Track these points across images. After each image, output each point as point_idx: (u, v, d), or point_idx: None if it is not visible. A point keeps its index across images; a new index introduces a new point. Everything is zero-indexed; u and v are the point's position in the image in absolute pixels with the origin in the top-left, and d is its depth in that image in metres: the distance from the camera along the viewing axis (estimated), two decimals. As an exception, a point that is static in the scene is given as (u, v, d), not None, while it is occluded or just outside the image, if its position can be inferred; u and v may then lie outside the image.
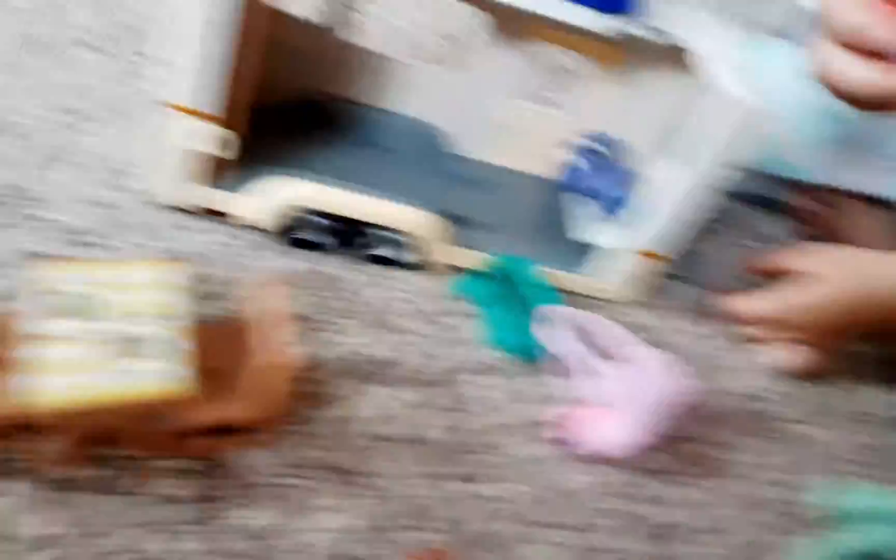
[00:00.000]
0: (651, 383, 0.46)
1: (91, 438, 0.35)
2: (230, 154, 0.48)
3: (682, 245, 0.55)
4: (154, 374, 0.34)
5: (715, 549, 0.46)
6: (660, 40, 0.47)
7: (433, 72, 0.58)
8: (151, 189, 0.50)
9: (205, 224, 0.50)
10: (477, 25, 0.54)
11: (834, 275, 0.54)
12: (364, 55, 0.57)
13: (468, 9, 0.51)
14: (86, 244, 0.46)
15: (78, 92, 0.56)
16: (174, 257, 0.46)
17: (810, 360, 0.57)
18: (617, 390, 0.46)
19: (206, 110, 0.45)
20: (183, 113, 0.45)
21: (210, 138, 0.46)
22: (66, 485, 0.35)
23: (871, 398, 0.60)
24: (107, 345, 0.35)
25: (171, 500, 0.37)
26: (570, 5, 0.44)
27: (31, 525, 0.34)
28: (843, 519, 0.46)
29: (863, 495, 0.48)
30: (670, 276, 0.60)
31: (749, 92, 0.45)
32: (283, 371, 0.38)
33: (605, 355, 0.49)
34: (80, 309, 0.36)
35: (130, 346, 0.35)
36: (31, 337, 0.34)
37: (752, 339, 0.58)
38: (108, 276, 0.37)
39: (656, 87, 0.55)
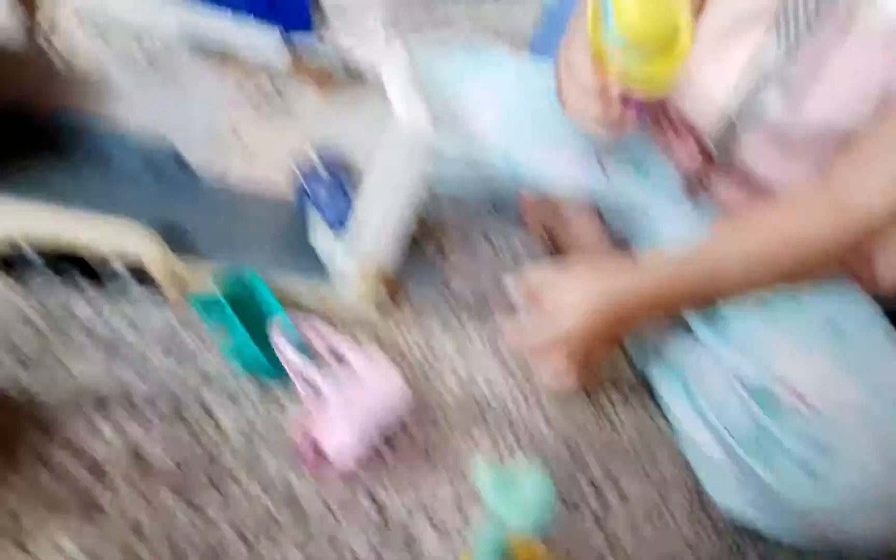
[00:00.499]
0: (366, 389, 0.51)
1: None
2: None
3: (396, 258, 0.59)
4: None
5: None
6: (337, 62, 0.50)
7: (156, 89, 0.58)
8: None
9: None
10: (181, 45, 0.55)
11: (581, 302, 0.58)
12: (74, 65, 0.55)
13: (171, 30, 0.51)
14: None
15: None
16: None
17: (579, 379, 0.62)
18: (334, 399, 0.50)
19: None
20: None
21: None
22: None
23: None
24: None
25: None
26: (248, 30, 0.46)
27: None
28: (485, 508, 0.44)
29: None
30: (405, 286, 0.66)
31: (418, 113, 0.50)
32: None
33: (330, 361, 0.53)
34: None
35: None
36: None
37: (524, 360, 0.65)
38: None
39: (361, 105, 0.60)
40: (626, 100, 0.56)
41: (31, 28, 0.52)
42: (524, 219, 0.82)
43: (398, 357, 0.61)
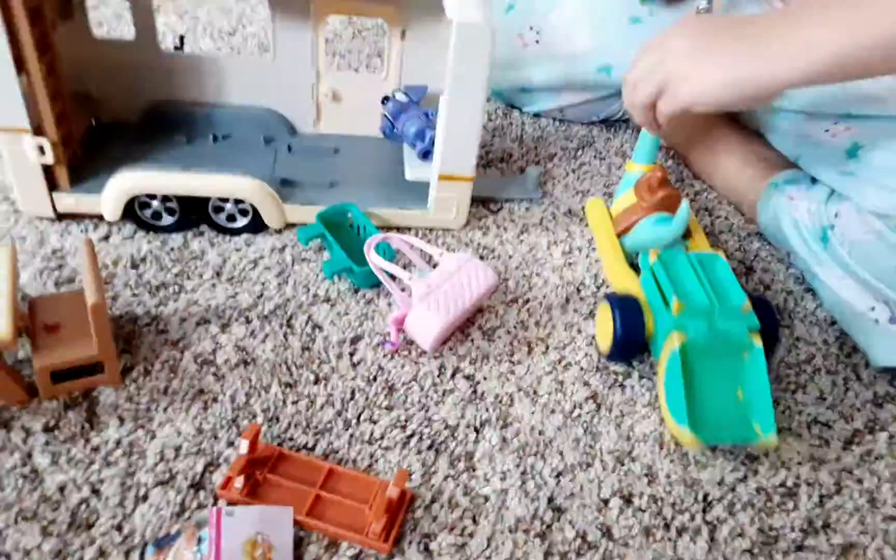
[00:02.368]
0: (451, 282, 0.53)
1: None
2: (61, 161, 0.56)
3: (477, 164, 0.61)
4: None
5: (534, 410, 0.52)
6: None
7: (255, 64, 0.67)
8: (18, 205, 0.59)
9: (63, 225, 0.59)
10: (272, 20, 0.62)
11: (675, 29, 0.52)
12: (192, 61, 0.66)
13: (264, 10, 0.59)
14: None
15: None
16: (34, 256, 0.56)
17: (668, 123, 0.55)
18: (420, 292, 0.52)
19: (22, 126, 0.54)
20: (8, 133, 0.54)
21: (36, 148, 0.55)
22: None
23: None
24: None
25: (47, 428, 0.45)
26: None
27: None
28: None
29: None
30: (494, 200, 0.67)
31: (477, 15, 0.52)
32: (104, 319, 0.46)
33: (421, 266, 0.56)
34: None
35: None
36: None
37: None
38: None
39: (432, 33, 0.63)
40: None
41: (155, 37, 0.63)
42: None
43: (491, 257, 0.62)
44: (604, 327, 0.53)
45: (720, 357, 0.48)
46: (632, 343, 0.51)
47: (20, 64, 0.52)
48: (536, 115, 0.81)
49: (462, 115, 0.57)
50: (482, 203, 0.66)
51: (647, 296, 0.53)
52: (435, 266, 0.55)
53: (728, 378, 0.48)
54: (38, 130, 0.55)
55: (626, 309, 0.51)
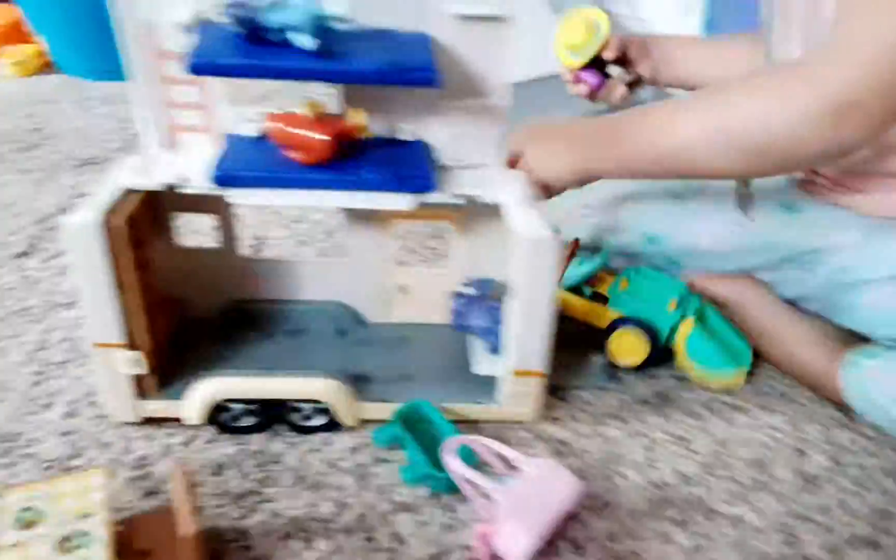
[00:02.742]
0: (536, 492, 0.52)
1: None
2: (149, 370, 0.59)
3: (548, 358, 0.61)
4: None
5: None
6: (464, 202, 0.57)
7: (328, 262, 0.70)
8: (104, 410, 0.61)
9: (148, 430, 0.61)
10: (346, 219, 0.66)
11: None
12: (269, 262, 0.69)
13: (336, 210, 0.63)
14: (52, 469, 0.57)
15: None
16: (121, 464, 0.57)
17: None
18: (507, 504, 0.51)
19: (119, 341, 0.56)
20: (103, 347, 0.57)
21: (130, 362, 0.57)
22: None
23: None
24: (46, 546, 0.44)
25: None
26: (387, 196, 0.55)
27: None
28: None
29: None
30: (562, 388, 0.67)
31: (540, 229, 0.54)
32: (198, 543, 0.46)
33: (501, 472, 0.55)
34: (25, 522, 0.45)
35: (64, 543, 0.44)
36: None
37: None
38: (43, 493, 0.47)
39: (495, 230, 0.65)
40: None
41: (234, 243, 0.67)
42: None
43: (569, 454, 0.61)
44: (628, 346, 0.71)
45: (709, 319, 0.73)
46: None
47: (119, 283, 0.56)
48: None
49: (532, 313, 0.58)
50: (552, 391, 0.66)
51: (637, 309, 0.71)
52: (514, 470, 0.55)
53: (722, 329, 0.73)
54: (131, 343, 0.58)
55: (649, 328, 0.70)
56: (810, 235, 0.70)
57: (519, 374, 0.61)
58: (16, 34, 1.41)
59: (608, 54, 0.79)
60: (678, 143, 0.60)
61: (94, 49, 1.33)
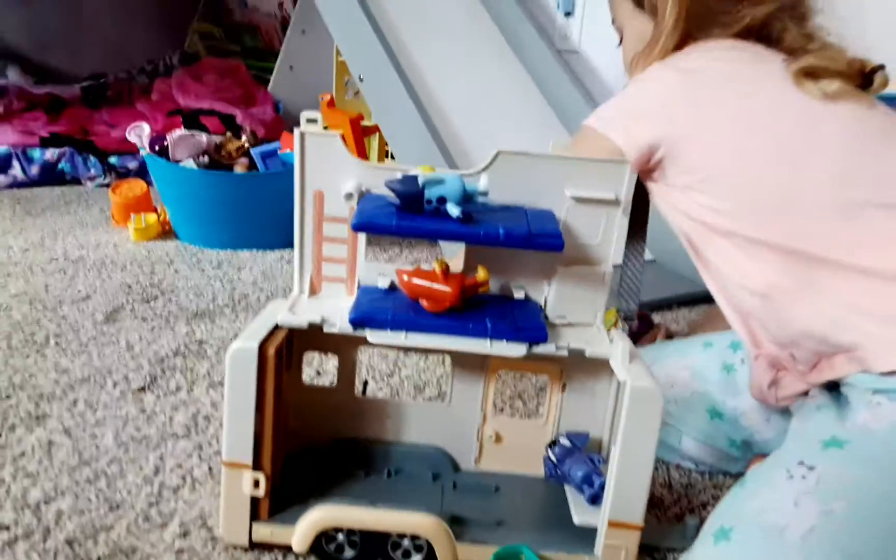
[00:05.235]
0: None
1: None
2: (265, 493, 0.63)
3: (644, 512, 0.63)
4: None
5: None
6: (571, 354, 0.63)
7: (429, 407, 0.76)
8: (216, 533, 0.65)
9: (256, 554, 0.64)
10: (451, 369, 0.72)
11: None
12: (375, 403, 0.75)
13: (445, 358, 0.70)
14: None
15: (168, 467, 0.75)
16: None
17: None
18: None
19: (246, 461, 0.62)
20: (232, 467, 0.62)
21: (252, 483, 0.62)
22: None
23: None
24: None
25: None
26: (506, 344, 0.62)
27: None
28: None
29: None
30: (657, 549, 0.68)
31: (647, 380, 0.59)
32: None
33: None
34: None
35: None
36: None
37: None
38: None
39: (593, 388, 0.71)
40: None
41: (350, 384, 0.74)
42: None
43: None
44: None
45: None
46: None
47: (259, 406, 0.62)
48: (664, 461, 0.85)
49: (634, 465, 0.61)
50: (645, 551, 0.67)
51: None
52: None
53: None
54: (255, 465, 0.63)
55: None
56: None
57: (615, 525, 0.63)
58: (144, 205, 1.62)
59: None
60: None
61: (210, 222, 1.51)
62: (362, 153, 1.65)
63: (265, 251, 1.52)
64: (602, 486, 0.64)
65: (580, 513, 0.66)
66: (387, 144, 1.73)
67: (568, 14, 1.75)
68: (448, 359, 0.73)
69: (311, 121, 0.62)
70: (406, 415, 0.75)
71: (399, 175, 0.60)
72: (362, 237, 0.66)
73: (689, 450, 0.82)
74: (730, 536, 0.57)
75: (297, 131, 0.62)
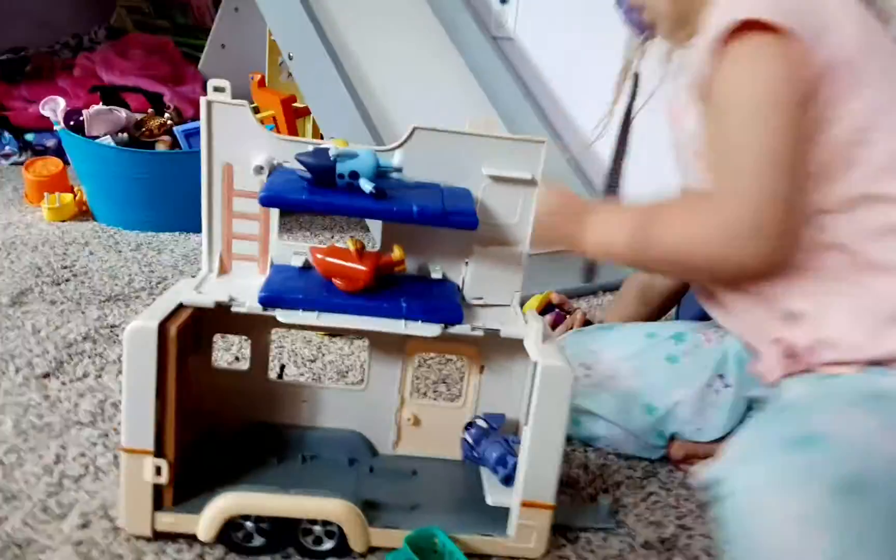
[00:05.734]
0: None
1: None
2: (168, 482, 0.60)
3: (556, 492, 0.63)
4: None
5: None
6: (486, 334, 0.63)
7: (346, 392, 0.74)
8: (118, 523, 0.62)
9: (159, 545, 0.61)
10: (369, 352, 0.71)
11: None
12: (291, 387, 0.73)
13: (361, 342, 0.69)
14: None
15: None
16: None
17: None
18: None
19: (147, 447, 0.59)
20: (132, 454, 0.59)
21: (153, 470, 0.59)
22: None
23: None
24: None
25: None
26: (420, 324, 0.61)
27: None
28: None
29: None
30: (569, 528, 0.69)
31: (558, 360, 0.60)
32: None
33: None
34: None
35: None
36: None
37: None
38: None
39: (510, 369, 0.71)
40: None
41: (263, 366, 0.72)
42: (677, 466, 0.83)
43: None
44: None
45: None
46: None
47: (159, 390, 0.59)
48: (587, 444, 0.85)
49: (545, 445, 0.61)
50: (558, 530, 0.68)
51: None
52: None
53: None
54: (157, 451, 0.60)
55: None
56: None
57: (528, 505, 0.63)
58: (59, 183, 1.53)
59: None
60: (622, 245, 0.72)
61: (129, 202, 1.44)
62: (294, 135, 1.61)
63: (188, 234, 1.46)
64: (515, 467, 0.64)
65: (493, 493, 0.66)
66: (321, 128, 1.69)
67: (504, 1, 1.75)
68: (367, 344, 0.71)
69: (218, 89, 0.59)
70: (322, 399, 0.73)
71: (310, 148, 0.58)
72: (275, 213, 0.64)
73: (614, 437, 0.83)
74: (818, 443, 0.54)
75: (203, 100, 0.59)
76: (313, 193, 0.56)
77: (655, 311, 0.99)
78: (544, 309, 1.07)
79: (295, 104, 1.62)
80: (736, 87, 0.63)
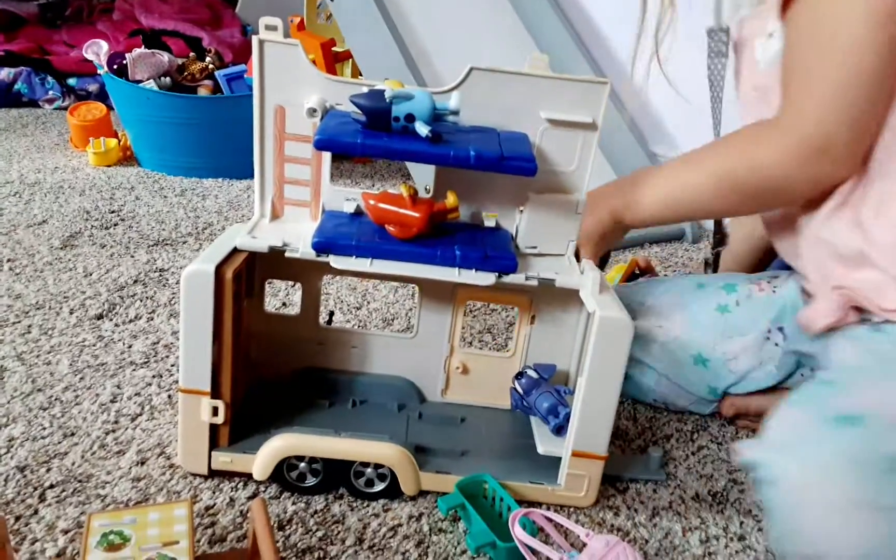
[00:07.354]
0: None
1: None
2: (224, 422, 0.61)
3: (608, 443, 0.63)
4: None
5: None
6: (542, 284, 0.61)
7: (398, 338, 0.74)
8: (175, 461, 0.63)
9: (215, 482, 0.63)
10: (419, 299, 0.70)
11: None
12: (341, 334, 0.73)
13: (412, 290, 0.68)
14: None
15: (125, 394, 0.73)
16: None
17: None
18: None
19: (204, 389, 0.60)
20: (189, 394, 0.60)
21: (210, 411, 0.60)
22: None
23: None
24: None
25: None
26: (474, 273, 0.60)
27: None
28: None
29: None
30: (619, 479, 0.68)
31: (616, 311, 0.58)
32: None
33: (565, 547, 0.56)
34: (109, 544, 0.47)
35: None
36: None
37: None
38: (129, 518, 0.49)
39: (562, 320, 0.70)
40: None
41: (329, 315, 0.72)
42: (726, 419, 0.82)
43: (625, 538, 0.61)
44: None
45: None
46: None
47: (216, 333, 0.60)
48: (637, 400, 0.84)
49: (599, 396, 0.60)
50: (608, 481, 0.68)
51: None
52: (582, 547, 0.56)
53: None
54: (214, 393, 0.61)
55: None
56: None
57: (579, 455, 0.63)
58: (104, 128, 1.55)
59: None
60: (685, 191, 0.73)
61: (173, 147, 1.45)
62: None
63: (232, 180, 1.47)
64: (567, 417, 0.64)
65: (545, 443, 0.66)
66: (360, 73, 1.67)
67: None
68: (417, 291, 0.71)
69: (270, 28, 0.58)
70: (372, 346, 0.74)
71: (365, 90, 0.56)
72: (327, 158, 0.63)
73: (663, 391, 0.81)
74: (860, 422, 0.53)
75: (254, 39, 0.58)
76: (367, 137, 0.55)
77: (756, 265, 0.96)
78: (630, 276, 1.03)
79: (334, 48, 1.60)
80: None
